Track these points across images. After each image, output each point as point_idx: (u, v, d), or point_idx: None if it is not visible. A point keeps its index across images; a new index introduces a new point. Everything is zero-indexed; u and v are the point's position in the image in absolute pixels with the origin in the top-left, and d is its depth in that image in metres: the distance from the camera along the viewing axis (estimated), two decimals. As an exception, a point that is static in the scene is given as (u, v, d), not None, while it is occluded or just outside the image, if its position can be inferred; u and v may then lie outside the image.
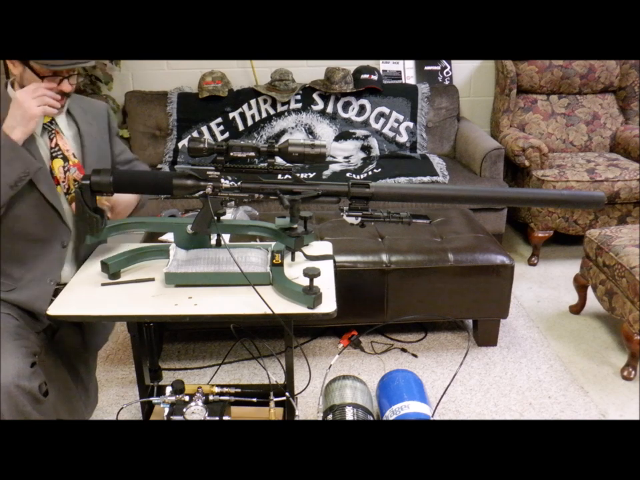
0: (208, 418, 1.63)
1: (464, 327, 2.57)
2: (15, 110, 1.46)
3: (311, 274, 1.43)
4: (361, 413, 1.80)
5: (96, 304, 1.48)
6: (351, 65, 3.39)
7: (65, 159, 1.61)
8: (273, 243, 1.69)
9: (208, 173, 1.51)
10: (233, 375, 2.27)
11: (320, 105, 3.38)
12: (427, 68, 3.58)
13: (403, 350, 2.41)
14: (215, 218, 1.54)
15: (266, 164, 1.49)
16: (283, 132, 3.34)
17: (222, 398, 1.69)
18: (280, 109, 3.34)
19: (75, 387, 1.77)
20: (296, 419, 1.74)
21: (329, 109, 3.38)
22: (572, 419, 2.01)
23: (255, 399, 1.74)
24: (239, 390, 1.71)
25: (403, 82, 3.55)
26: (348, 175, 3.06)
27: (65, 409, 1.66)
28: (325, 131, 3.36)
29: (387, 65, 3.58)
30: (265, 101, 3.34)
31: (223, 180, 1.52)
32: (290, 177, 1.52)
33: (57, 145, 1.60)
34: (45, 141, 1.59)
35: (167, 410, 1.65)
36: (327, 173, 3.10)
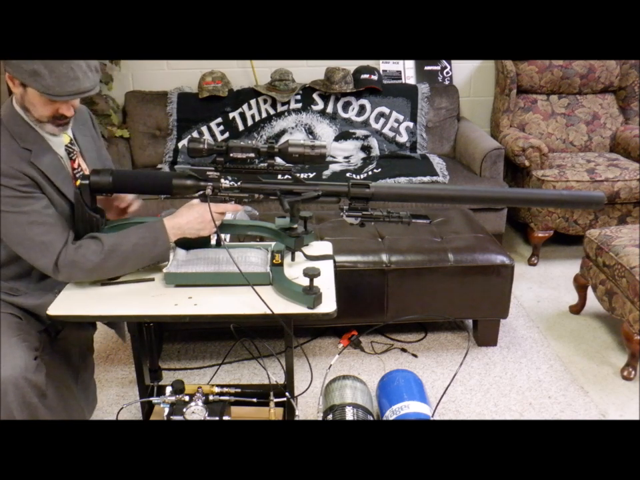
0: (208, 418, 1.63)
1: (464, 327, 2.57)
2: (195, 218, 1.54)
3: (311, 274, 1.43)
4: (361, 412, 1.80)
5: (96, 304, 1.48)
6: (351, 65, 3.39)
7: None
8: (273, 243, 1.69)
9: (208, 173, 1.51)
10: (233, 374, 2.27)
11: (320, 105, 3.38)
12: (427, 68, 3.58)
13: (403, 350, 2.41)
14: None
15: (266, 164, 1.49)
16: (283, 132, 3.34)
17: (222, 398, 1.69)
18: (280, 108, 3.34)
19: (75, 387, 1.78)
20: (296, 419, 1.74)
21: (329, 109, 3.38)
22: (572, 419, 2.01)
23: (255, 399, 1.75)
24: (238, 390, 1.71)
25: (403, 82, 3.55)
26: (348, 175, 3.06)
27: (64, 409, 1.66)
28: (325, 131, 3.36)
29: (386, 65, 3.58)
30: (265, 101, 3.34)
31: (222, 180, 1.53)
32: (290, 177, 1.52)
33: (79, 165, 1.61)
34: (68, 162, 1.59)
35: (166, 410, 1.65)
36: (327, 172, 3.09)
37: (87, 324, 1.81)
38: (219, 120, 3.31)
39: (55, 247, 1.47)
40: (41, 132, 1.52)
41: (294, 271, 1.60)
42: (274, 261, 1.59)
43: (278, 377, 2.07)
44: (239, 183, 1.53)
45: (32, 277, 1.60)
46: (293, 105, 3.35)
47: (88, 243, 1.50)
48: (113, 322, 1.84)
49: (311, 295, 1.44)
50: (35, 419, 1.48)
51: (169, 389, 1.67)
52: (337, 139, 3.36)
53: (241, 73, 3.47)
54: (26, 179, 1.46)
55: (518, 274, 2.71)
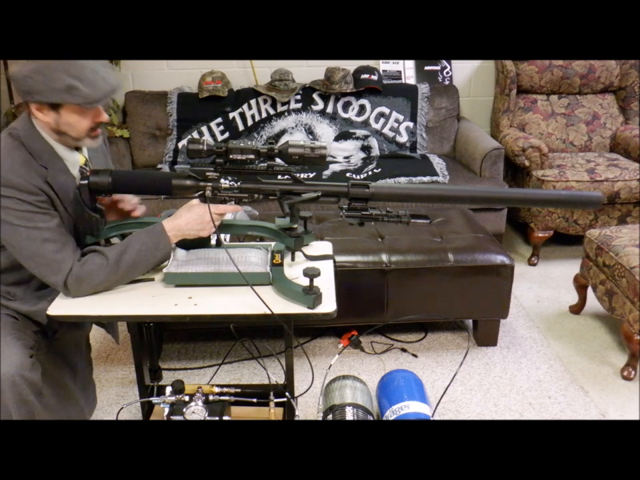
0: (208, 418, 1.63)
1: (464, 327, 2.57)
2: (194, 220, 1.53)
3: (311, 274, 1.43)
4: (361, 412, 1.80)
5: (96, 304, 1.48)
6: (351, 65, 3.39)
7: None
8: (273, 243, 1.69)
9: (207, 173, 1.51)
10: (233, 374, 2.27)
11: (320, 105, 3.38)
12: (427, 68, 3.58)
13: (403, 350, 2.41)
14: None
15: (265, 164, 1.49)
16: (283, 132, 3.34)
17: (222, 398, 1.69)
18: (280, 109, 3.34)
19: (73, 387, 1.77)
20: (296, 419, 1.74)
21: (329, 109, 3.38)
22: (572, 419, 2.01)
23: (255, 399, 1.75)
24: (239, 390, 1.71)
25: (403, 82, 3.55)
26: (348, 175, 3.05)
27: (63, 408, 1.66)
28: (325, 131, 3.36)
29: (387, 65, 3.58)
30: (265, 101, 3.34)
31: (222, 180, 1.53)
32: (289, 177, 1.52)
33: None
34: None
35: (166, 410, 1.65)
36: (327, 173, 3.09)
37: (83, 323, 1.81)
38: (219, 120, 3.31)
39: (66, 265, 1.47)
40: (59, 150, 1.52)
41: (294, 270, 1.60)
42: (274, 261, 1.59)
43: (278, 377, 2.07)
44: (238, 183, 1.53)
45: (30, 285, 1.60)
46: (292, 105, 3.35)
47: (92, 258, 1.49)
48: (105, 323, 1.84)
49: (311, 294, 1.44)
50: (32, 417, 1.48)
51: (168, 389, 1.67)
52: (337, 139, 3.36)
53: (241, 72, 3.47)
54: (43, 195, 1.47)
55: (518, 274, 2.71)
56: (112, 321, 1.77)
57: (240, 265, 1.51)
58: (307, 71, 3.44)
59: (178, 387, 1.66)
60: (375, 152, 3.36)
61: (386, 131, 3.38)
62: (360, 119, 3.38)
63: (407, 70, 3.57)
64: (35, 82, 1.39)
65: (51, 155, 1.51)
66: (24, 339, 1.50)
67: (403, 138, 3.38)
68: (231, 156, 1.47)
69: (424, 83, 3.47)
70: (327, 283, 1.55)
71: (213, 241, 1.67)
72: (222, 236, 1.66)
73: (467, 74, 3.65)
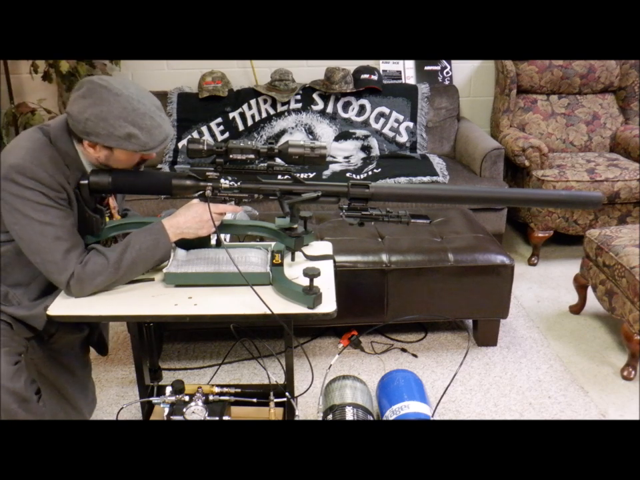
0: (208, 418, 1.63)
1: (464, 327, 2.57)
2: (193, 218, 1.53)
3: (311, 274, 1.43)
4: (361, 412, 1.80)
5: (96, 304, 1.48)
6: (351, 65, 3.39)
7: (111, 215, 1.65)
8: (273, 243, 1.69)
9: (207, 173, 1.51)
10: (233, 374, 2.27)
11: (320, 105, 3.38)
12: (427, 68, 3.58)
13: (403, 350, 2.41)
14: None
15: (265, 164, 1.49)
16: (283, 132, 3.34)
17: (222, 398, 1.69)
18: (280, 108, 3.34)
19: (71, 388, 1.77)
20: (296, 419, 1.74)
21: (329, 109, 3.38)
22: (572, 419, 2.01)
23: (255, 399, 1.75)
24: (238, 390, 1.71)
25: (403, 82, 3.55)
26: (348, 175, 3.05)
27: (61, 411, 1.65)
28: (325, 131, 3.36)
29: (387, 65, 3.58)
30: (265, 101, 3.34)
31: (222, 180, 1.53)
32: (289, 177, 1.52)
33: (107, 203, 1.64)
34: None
35: (166, 410, 1.65)
36: (327, 173, 3.09)
37: (80, 325, 1.80)
38: (219, 120, 3.31)
39: (72, 266, 1.47)
40: (84, 161, 1.53)
41: (294, 270, 1.60)
42: (274, 261, 1.59)
43: (278, 377, 2.07)
44: (238, 183, 1.53)
45: (30, 288, 1.58)
46: (292, 105, 3.35)
47: (94, 259, 1.49)
48: (93, 339, 1.83)
49: (311, 295, 1.44)
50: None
51: (168, 389, 1.67)
52: (337, 138, 3.36)
53: (241, 72, 3.47)
54: (64, 192, 1.48)
55: (518, 274, 2.71)
56: (112, 321, 1.77)
57: (240, 265, 1.51)
58: (307, 70, 3.44)
59: (178, 387, 1.66)
60: (375, 152, 3.36)
61: (386, 131, 3.38)
62: (360, 119, 3.38)
63: (407, 70, 3.57)
64: (95, 126, 1.42)
65: (74, 160, 1.52)
66: (10, 346, 1.49)
67: (403, 138, 3.38)
68: (231, 156, 1.47)
69: (424, 83, 3.47)
70: (327, 283, 1.55)
71: (213, 241, 1.67)
72: (222, 236, 1.66)
73: (467, 74, 3.65)
